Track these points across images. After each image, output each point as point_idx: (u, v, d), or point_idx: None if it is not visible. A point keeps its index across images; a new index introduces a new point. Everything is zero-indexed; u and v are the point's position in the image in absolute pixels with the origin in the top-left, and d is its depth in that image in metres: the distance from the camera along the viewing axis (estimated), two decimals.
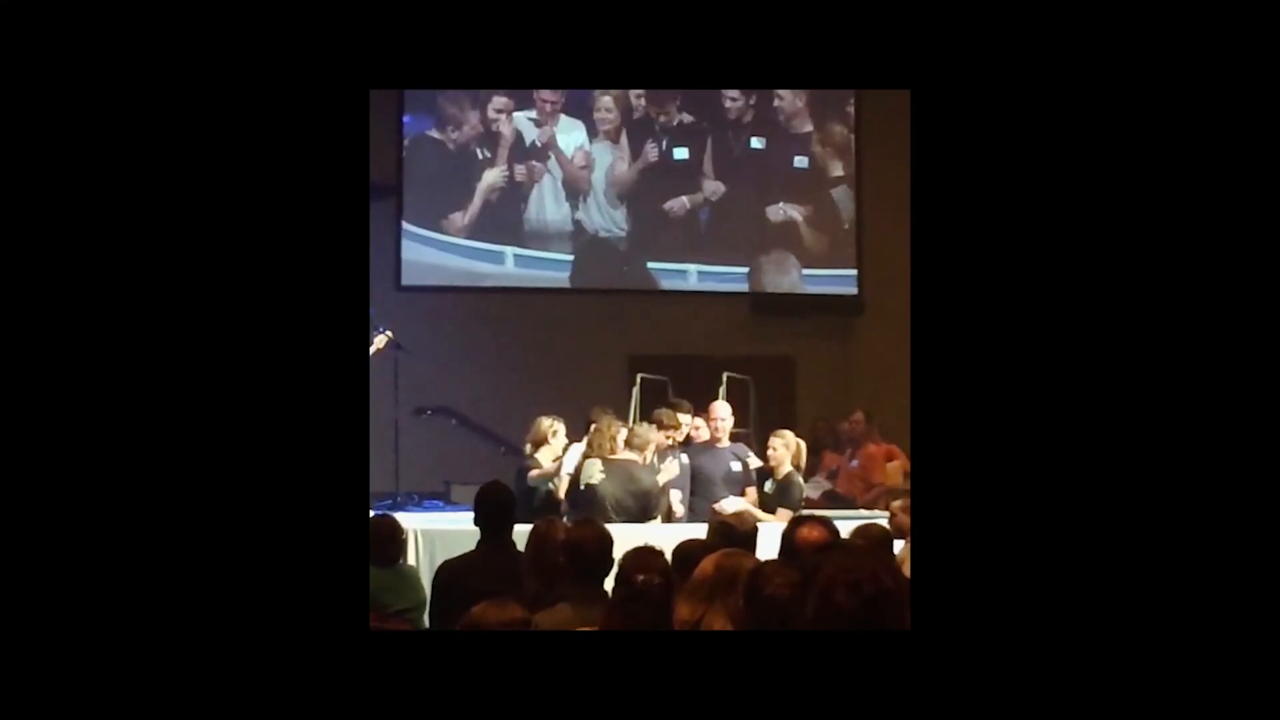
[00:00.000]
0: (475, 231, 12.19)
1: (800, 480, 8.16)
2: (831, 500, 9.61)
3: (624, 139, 12.36)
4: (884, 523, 5.80)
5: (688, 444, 8.41)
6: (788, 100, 12.56)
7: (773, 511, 7.77)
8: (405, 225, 12.12)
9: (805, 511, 5.81)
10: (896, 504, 6.98)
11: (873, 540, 4.68)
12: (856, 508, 9.25)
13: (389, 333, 9.12)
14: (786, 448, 8.13)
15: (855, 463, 10.44)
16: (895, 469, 9.74)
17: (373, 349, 8.88)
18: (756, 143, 12.57)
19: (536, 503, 7.80)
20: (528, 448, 8.12)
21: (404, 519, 6.75)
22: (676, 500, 8.08)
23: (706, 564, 3.79)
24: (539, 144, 12.27)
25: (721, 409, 8.58)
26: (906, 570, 3.84)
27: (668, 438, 8.14)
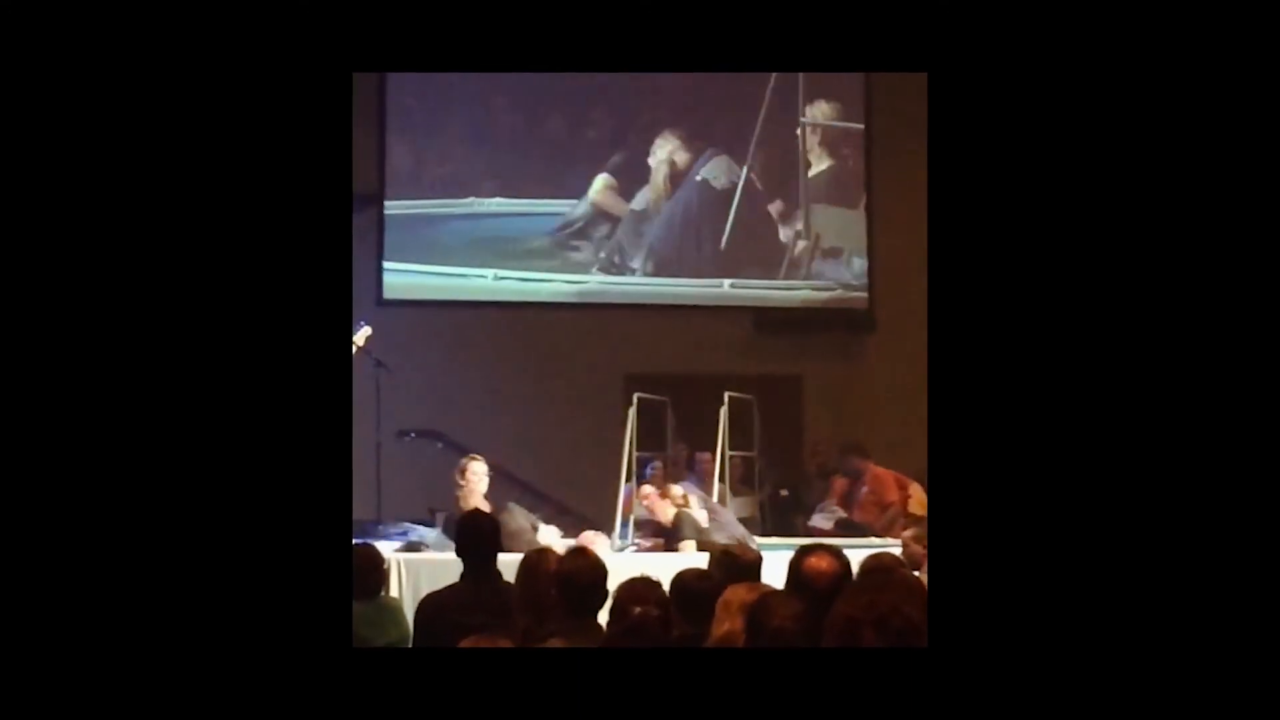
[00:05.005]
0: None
1: (690, 515, 8.40)
2: (845, 529, 9.58)
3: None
4: (895, 552, 5.80)
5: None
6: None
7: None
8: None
9: (813, 540, 5.80)
10: (908, 534, 6.97)
11: (887, 570, 4.66)
12: (873, 535, 9.22)
13: (367, 330, 9.09)
14: (666, 499, 8.53)
15: (865, 488, 10.39)
16: (919, 494, 9.71)
17: (354, 349, 8.89)
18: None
19: None
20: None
21: (385, 548, 6.73)
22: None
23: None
24: None
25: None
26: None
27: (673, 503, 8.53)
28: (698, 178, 12.61)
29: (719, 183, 12.63)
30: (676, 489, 8.77)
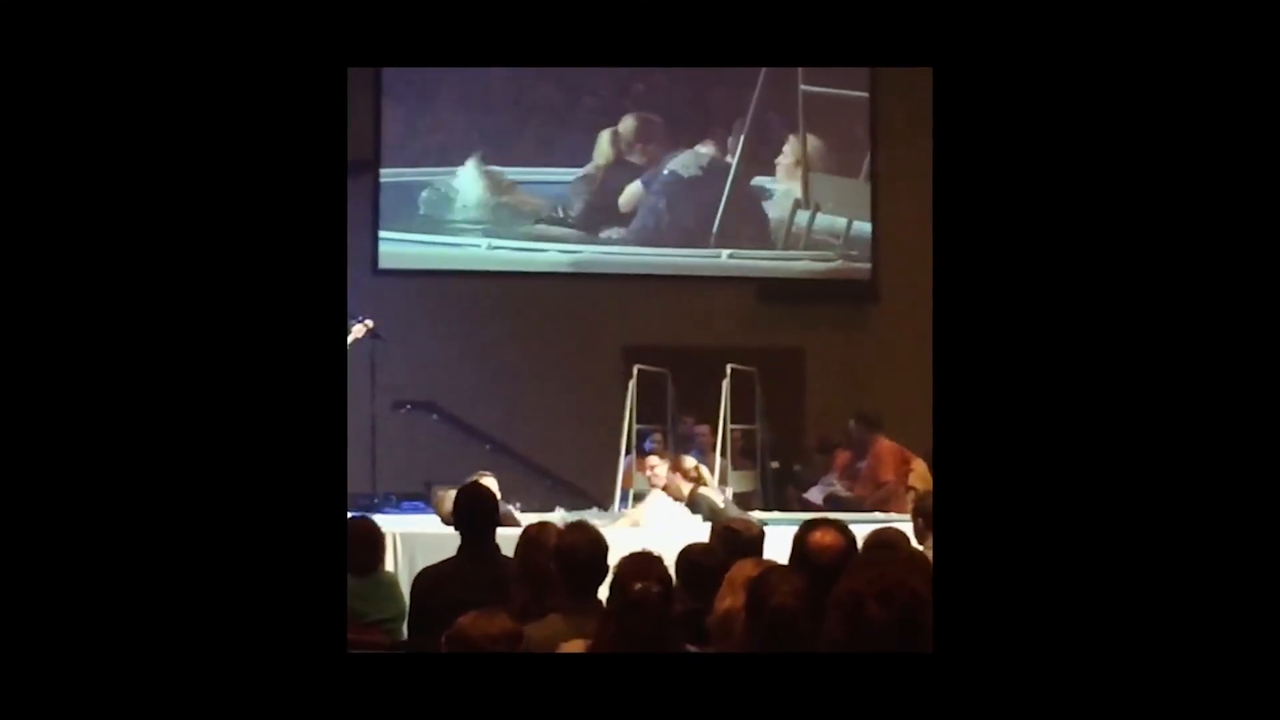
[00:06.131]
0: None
1: (706, 495, 8.36)
2: (833, 504, 9.57)
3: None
4: (901, 527, 5.80)
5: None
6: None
7: None
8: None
9: (818, 515, 5.82)
10: (912, 508, 6.97)
11: (892, 546, 4.67)
12: (864, 510, 9.22)
13: (369, 322, 9.10)
14: (677, 473, 8.48)
15: (863, 463, 10.39)
16: (921, 468, 9.72)
17: (350, 339, 8.86)
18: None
19: None
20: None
21: (382, 522, 6.73)
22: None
23: None
24: None
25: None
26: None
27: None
28: (665, 170, 12.59)
29: (689, 171, 12.62)
30: (689, 460, 8.67)
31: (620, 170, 12.56)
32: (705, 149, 12.65)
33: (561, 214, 12.44)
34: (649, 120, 12.59)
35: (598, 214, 12.51)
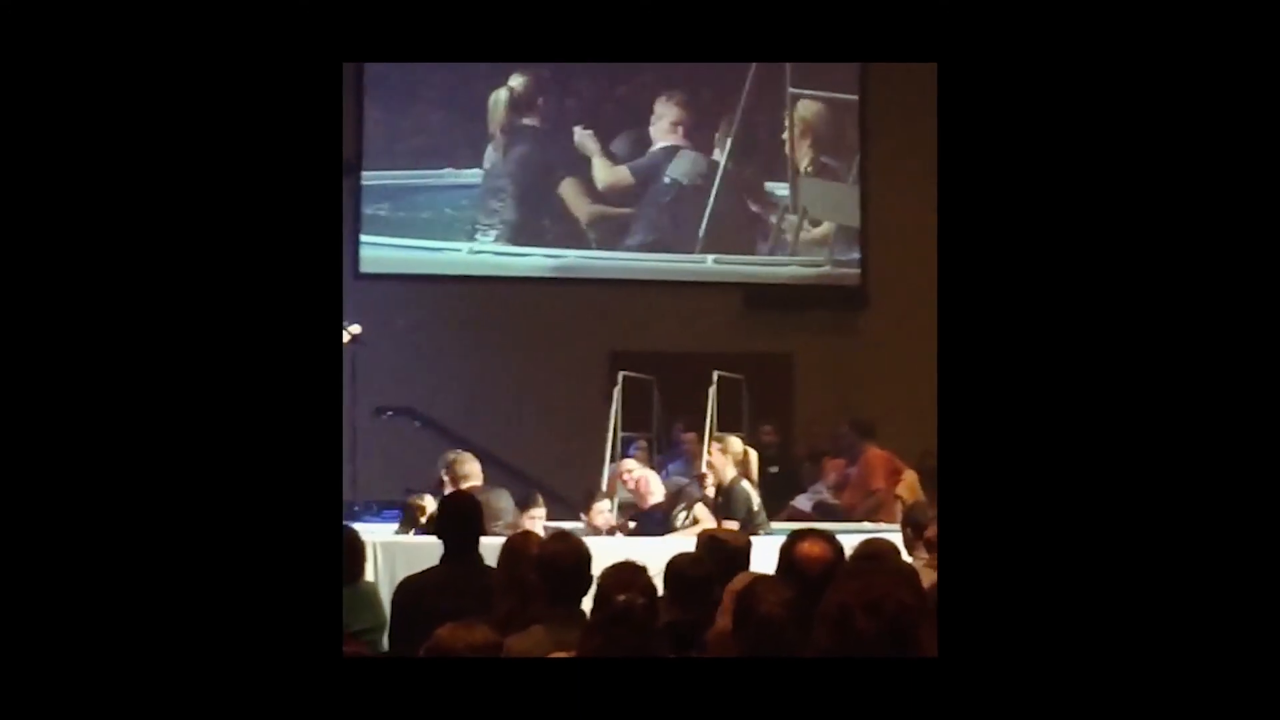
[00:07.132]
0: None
1: (746, 489, 8.18)
2: (823, 512, 9.55)
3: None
4: (890, 537, 5.80)
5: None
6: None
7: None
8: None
9: (806, 525, 5.81)
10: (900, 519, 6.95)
11: (880, 556, 4.66)
12: (854, 519, 9.20)
13: (355, 328, 9.08)
14: (726, 454, 8.18)
15: (853, 469, 10.38)
16: (910, 479, 9.71)
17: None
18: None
19: None
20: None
21: (362, 531, 6.70)
22: None
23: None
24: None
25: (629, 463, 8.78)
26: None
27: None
28: (666, 179, 12.56)
29: (686, 178, 12.59)
30: (736, 443, 8.43)
31: (518, 137, 12.40)
32: (691, 151, 12.61)
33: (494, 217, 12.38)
34: (541, 76, 12.38)
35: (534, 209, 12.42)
